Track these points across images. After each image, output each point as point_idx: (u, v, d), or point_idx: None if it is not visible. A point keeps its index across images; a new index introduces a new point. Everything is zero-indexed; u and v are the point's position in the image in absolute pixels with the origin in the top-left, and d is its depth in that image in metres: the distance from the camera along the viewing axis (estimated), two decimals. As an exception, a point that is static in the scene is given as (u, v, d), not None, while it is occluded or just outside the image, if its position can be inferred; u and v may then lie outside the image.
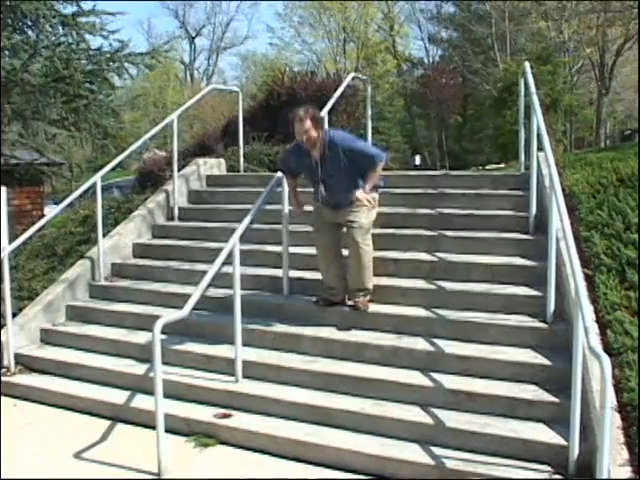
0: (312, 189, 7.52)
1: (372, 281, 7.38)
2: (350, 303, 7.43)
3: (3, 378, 7.89)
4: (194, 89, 50.33)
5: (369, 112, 11.46)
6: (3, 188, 17.87)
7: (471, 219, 8.42)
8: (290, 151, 7.73)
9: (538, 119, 7.42)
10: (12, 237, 8.80)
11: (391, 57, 54.09)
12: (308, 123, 6.93)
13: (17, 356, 8.11)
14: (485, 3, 44.44)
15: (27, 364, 8.12)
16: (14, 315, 8.27)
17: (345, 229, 7.32)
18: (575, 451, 5.16)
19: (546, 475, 5.19)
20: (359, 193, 7.09)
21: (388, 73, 54.19)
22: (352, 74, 11.51)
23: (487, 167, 23.70)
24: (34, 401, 7.55)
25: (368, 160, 7.10)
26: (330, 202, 7.26)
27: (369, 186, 7.18)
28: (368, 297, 7.38)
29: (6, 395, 7.77)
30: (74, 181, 26.25)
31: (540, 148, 7.59)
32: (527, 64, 8.90)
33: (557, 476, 5.16)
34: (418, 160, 32.90)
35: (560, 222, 5.87)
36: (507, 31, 41.07)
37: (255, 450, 6.00)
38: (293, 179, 7.75)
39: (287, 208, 7.82)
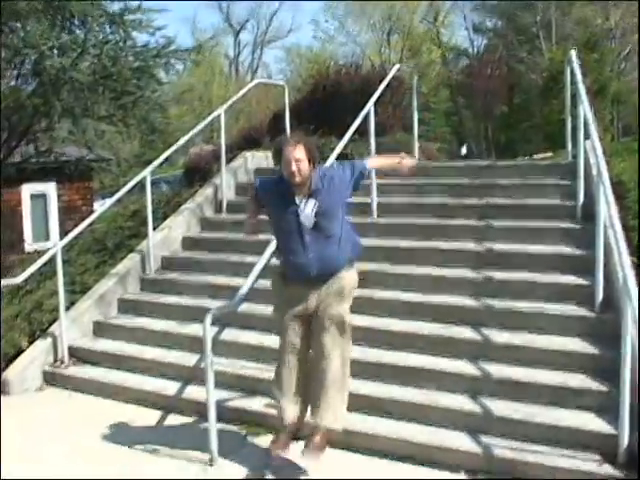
0: (282, 250, 5.70)
1: (343, 418, 5.61)
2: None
3: (57, 370, 8.05)
4: (239, 83, 50.51)
5: (415, 103, 11.45)
6: (53, 184, 18.20)
7: (518, 208, 8.41)
8: (263, 184, 5.86)
9: (585, 108, 7.40)
10: (63, 232, 8.94)
11: (436, 47, 53.83)
12: (302, 151, 5.33)
13: (70, 348, 8.26)
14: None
15: (80, 356, 8.26)
16: (67, 308, 8.43)
17: (317, 325, 5.53)
18: (625, 440, 5.16)
19: (595, 464, 5.20)
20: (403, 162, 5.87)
21: (433, 63, 53.91)
22: (397, 65, 11.54)
23: (534, 156, 23.53)
24: (88, 393, 7.69)
25: (359, 169, 5.69)
26: (310, 265, 5.40)
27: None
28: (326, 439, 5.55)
29: (60, 387, 7.94)
30: (121, 176, 26.51)
31: (587, 136, 7.57)
32: (573, 52, 8.85)
33: (606, 465, 5.17)
34: (464, 150, 32.76)
35: (608, 211, 5.87)
36: (552, 19, 40.67)
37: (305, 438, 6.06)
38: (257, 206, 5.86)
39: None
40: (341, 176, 5.59)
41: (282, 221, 5.49)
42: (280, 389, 5.62)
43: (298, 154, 5.31)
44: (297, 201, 5.40)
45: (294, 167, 5.30)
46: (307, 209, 5.39)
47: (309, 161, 5.36)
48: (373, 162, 6.08)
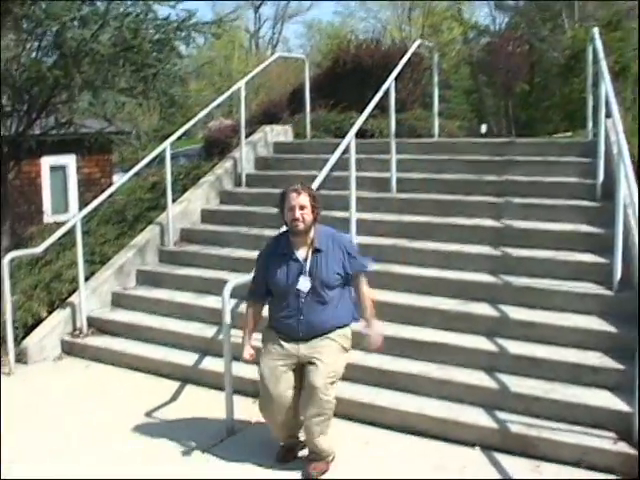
0: (274, 308, 5.46)
1: (331, 447, 5.37)
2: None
3: (75, 340, 8.12)
4: (259, 58, 50.32)
5: (436, 79, 11.42)
6: (72, 157, 18.23)
7: (537, 186, 8.39)
8: (267, 247, 5.61)
9: (606, 86, 7.35)
10: (82, 205, 8.97)
11: (457, 24, 53.43)
12: (306, 199, 5.25)
13: (89, 319, 8.35)
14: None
15: (99, 326, 8.35)
16: (86, 279, 8.49)
17: (311, 376, 5.15)
18: (640, 418, 5.17)
19: (610, 441, 5.22)
20: (370, 330, 5.37)
21: (454, 41, 53.54)
22: (418, 41, 11.48)
23: (555, 135, 23.40)
24: (106, 362, 7.79)
25: (357, 266, 5.40)
26: (299, 328, 5.23)
27: (373, 319, 5.39)
28: (326, 462, 5.36)
29: (78, 356, 8.02)
30: (141, 150, 26.54)
31: (608, 115, 7.53)
32: (596, 30, 8.80)
33: (621, 442, 5.19)
34: (484, 129, 32.47)
35: (628, 189, 5.85)
36: (576, -4, 40.28)
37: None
38: (260, 302, 5.60)
39: (354, 174, 7.85)
40: (348, 249, 5.37)
41: (281, 274, 5.28)
42: (276, 435, 5.52)
43: (302, 201, 5.21)
44: (298, 255, 5.28)
45: (298, 214, 5.18)
46: (308, 265, 5.24)
47: (313, 210, 5.25)
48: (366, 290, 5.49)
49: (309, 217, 5.22)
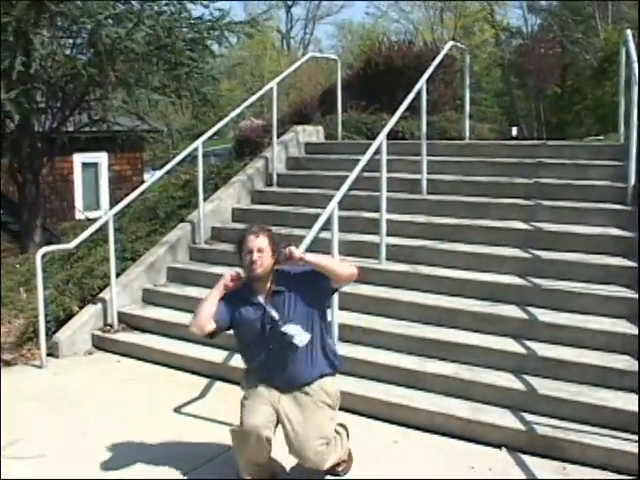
0: (246, 357, 5.19)
1: (344, 451, 5.18)
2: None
3: (106, 335, 8.22)
4: (291, 58, 50.47)
5: (467, 81, 11.40)
6: (105, 154, 18.40)
7: (568, 189, 8.38)
8: (229, 294, 4.99)
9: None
10: (113, 202, 9.07)
11: (489, 27, 53.27)
12: (264, 241, 4.83)
13: (120, 314, 8.44)
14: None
15: (129, 322, 8.44)
16: (118, 275, 8.58)
17: (292, 440, 4.80)
18: (668, 422, 5.17)
19: (637, 445, 5.20)
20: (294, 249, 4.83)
21: (485, 43, 53.40)
22: (450, 42, 11.48)
23: (586, 139, 23.29)
24: (136, 358, 7.87)
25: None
26: (274, 379, 4.89)
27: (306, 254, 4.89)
28: (347, 461, 5.24)
29: (109, 351, 8.11)
30: (172, 149, 26.72)
31: (641, 118, 7.52)
32: (629, 32, 8.76)
33: (649, 446, 5.18)
34: (515, 132, 32.39)
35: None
36: (609, -2, 40.02)
37: (349, 411, 6.06)
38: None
39: (385, 175, 7.90)
40: (309, 279, 4.90)
41: (245, 324, 4.93)
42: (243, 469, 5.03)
43: (260, 243, 4.81)
44: (259, 300, 4.88)
45: (255, 256, 4.77)
46: (272, 309, 4.83)
47: (272, 254, 4.85)
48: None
49: (268, 261, 4.82)
